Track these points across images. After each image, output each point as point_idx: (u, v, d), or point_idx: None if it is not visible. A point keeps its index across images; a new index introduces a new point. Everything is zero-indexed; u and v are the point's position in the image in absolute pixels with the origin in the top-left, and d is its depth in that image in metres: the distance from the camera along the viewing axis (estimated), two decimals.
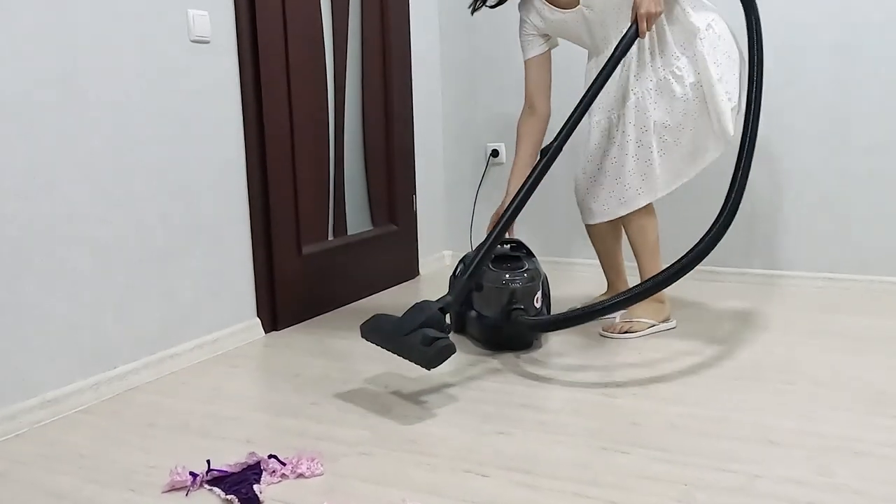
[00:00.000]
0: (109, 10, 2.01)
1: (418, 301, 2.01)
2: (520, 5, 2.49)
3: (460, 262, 2.50)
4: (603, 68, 2.26)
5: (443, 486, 1.49)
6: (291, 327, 2.67)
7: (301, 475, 1.54)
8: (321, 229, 2.88)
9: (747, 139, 2.15)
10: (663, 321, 2.48)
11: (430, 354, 1.82)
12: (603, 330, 2.45)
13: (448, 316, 1.99)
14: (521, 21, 2.48)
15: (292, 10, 2.62)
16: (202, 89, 2.30)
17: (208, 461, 1.57)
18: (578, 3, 2.33)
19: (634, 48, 2.32)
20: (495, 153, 3.55)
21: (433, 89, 3.58)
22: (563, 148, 2.26)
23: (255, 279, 2.55)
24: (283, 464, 1.55)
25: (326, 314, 2.85)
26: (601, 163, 2.46)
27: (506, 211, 2.20)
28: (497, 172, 3.56)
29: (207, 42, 2.31)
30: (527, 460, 1.59)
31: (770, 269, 3.14)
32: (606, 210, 2.45)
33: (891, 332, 2.39)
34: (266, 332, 2.59)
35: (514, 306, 2.23)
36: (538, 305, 2.33)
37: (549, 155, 2.25)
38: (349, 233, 3.06)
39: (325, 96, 2.86)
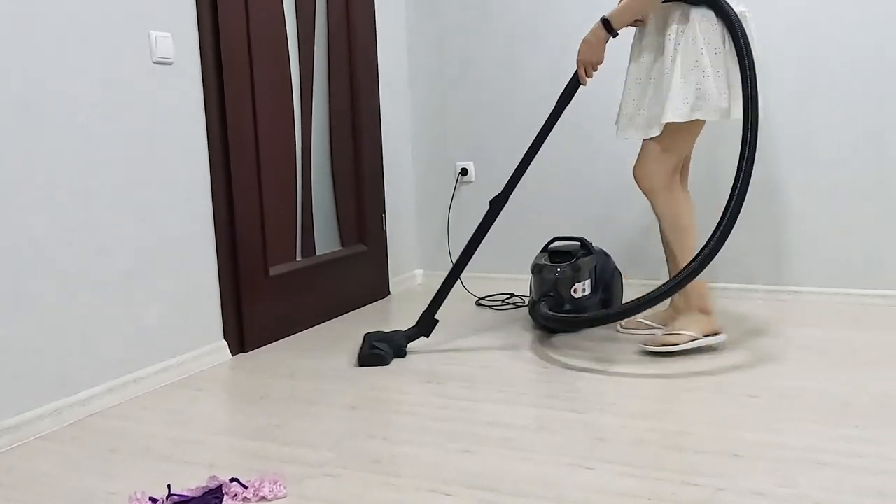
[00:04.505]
0: (70, 31, 2.00)
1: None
2: None
3: None
4: (546, 120, 2.49)
5: None
6: (259, 349, 2.64)
7: (263, 498, 1.52)
8: (289, 250, 2.86)
9: (747, 149, 2.20)
10: (709, 335, 2.37)
11: (363, 356, 2.40)
12: (643, 344, 2.40)
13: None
14: None
15: (257, 30, 2.62)
16: (166, 111, 2.29)
17: (169, 486, 1.54)
18: None
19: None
20: (464, 171, 3.56)
21: (401, 108, 3.59)
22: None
23: (222, 301, 2.53)
24: (245, 487, 1.53)
25: (295, 335, 2.83)
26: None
27: (457, 262, 2.57)
28: (467, 191, 3.57)
29: (170, 63, 2.30)
30: (492, 478, 1.58)
31: (737, 283, 3.16)
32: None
33: (855, 345, 2.41)
34: (233, 354, 2.56)
35: (546, 294, 2.63)
36: (577, 295, 2.65)
37: (497, 205, 2.53)
38: (318, 253, 3.05)
39: (291, 116, 2.86)
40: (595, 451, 1.69)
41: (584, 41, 2.37)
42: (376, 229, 3.39)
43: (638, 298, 2.22)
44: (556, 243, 2.87)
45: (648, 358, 2.35)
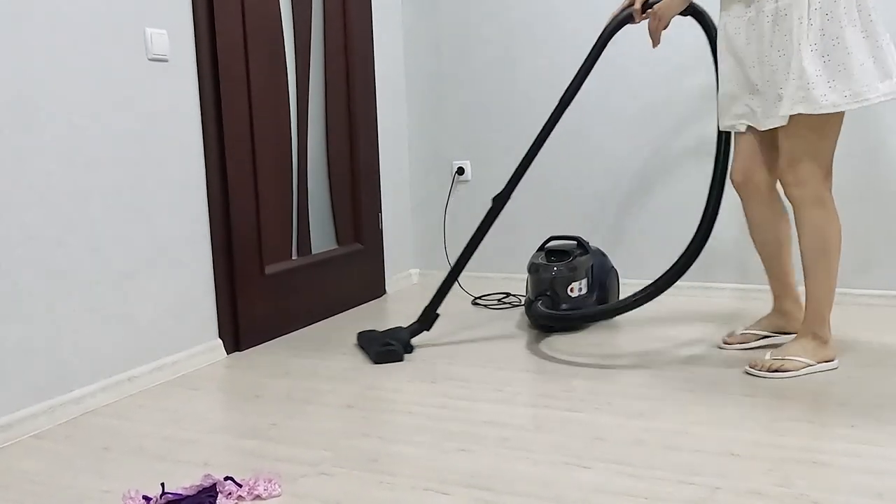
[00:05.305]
0: (64, 28, 1.99)
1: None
2: None
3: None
4: (572, 81, 2.38)
5: None
6: (254, 348, 2.63)
7: (258, 496, 1.51)
8: (285, 249, 2.85)
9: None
10: (823, 361, 2.15)
11: (379, 352, 2.40)
12: (750, 367, 2.16)
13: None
14: None
15: (253, 27, 2.61)
16: (161, 108, 2.28)
17: (162, 484, 1.53)
18: None
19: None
20: (461, 170, 3.55)
21: (398, 107, 3.58)
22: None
23: (217, 300, 2.52)
24: (240, 485, 1.52)
25: (291, 334, 2.82)
26: None
27: (459, 258, 2.56)
28: (463, 190, 3.57)
29: (166, 60, 2.29)
30: (488, 477, 1.57)
31: (734, 282, 3.16)
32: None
33: (852, 344, 2.41)
34: (228, 353, 2.55)
35: (543, 293, 2.65)
36: (574, 294, 2.66)
37: (500, 201, 2.51)
38: (314, 252, 3.04)
39: (287, 114, 2.85)
40: (592, 451, 1.69)
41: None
42: (372, 228, 3.38)
43: (633, 294, 2.28)
44: (553, 242, 2.87)
45: (648, 358, 2.34)
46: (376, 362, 2.40)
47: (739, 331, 2.41)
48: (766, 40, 2.01)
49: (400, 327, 2.58)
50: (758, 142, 2.19)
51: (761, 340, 2.37)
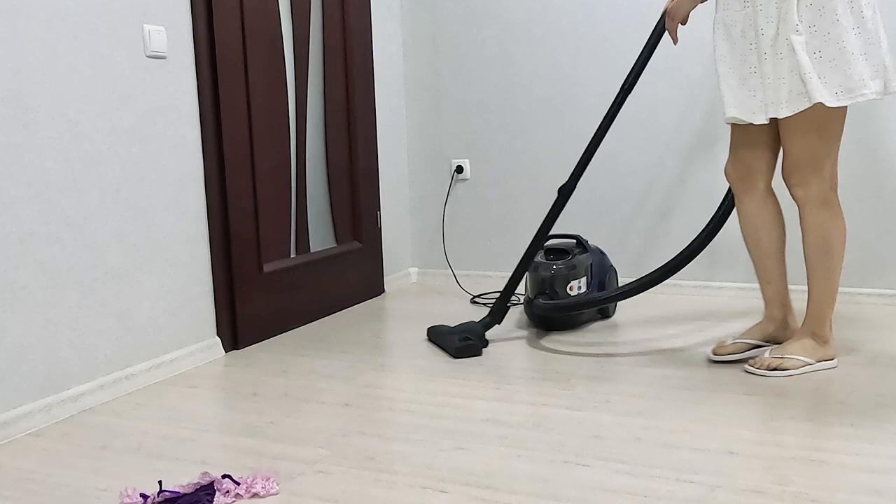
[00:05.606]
0: (62, 25, 1.98)
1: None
2: None
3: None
4: (623, 86, 2.41)
5: (400, 503, 1.47)
6: (252, 346, 2.63)
7: (256, 495, 1.51)
8: (283, 247, 2.85)
9: None
10: (822, 360, 2.15)
11: (459, 347, 2.42)
12: (749, 365, 2.16)
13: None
14: None
15: (252, 24, 2.60)
16: (159, 105, 2.27)
17: (160, 482, 1.53)
18: None
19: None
20: (460, 169, 3.55)
21: (397, 105, 3.58)
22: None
23: (215, 298, 2.51)
24: (238, 483, 1.52)
25: (289, 332, 2.81)
26: None
27: (528, 249, 2.55)
28: (462, 188, 3.56)
29: (164, 57, 2.28)
30: (486, 475, 1.57)
31: (736, 281, 3.16)
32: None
33: (850, 343, 2.41)
34: (226, 351, 2.55)
35: (542, 292, 2.66)
36: (573, 293, 2.67)
37: (564, 193, 2.49)
38: (312, 250, 3.03)
39: (286, 112, 2.84)
40: (590, 449, 1.68)
41: None
42: (371, 226, 3.37)
43: (626, 284, 2.37)
44: (552, 241, 2.87)
45: (647, 356, 2.34)
46: (457, 357, 2.41)
47: (730, 341, 2.29)
48: (762, 34, 2.01)
49: (473, 321, 2.61)
50: (756, 136, 2.16)
51: (752, 350, 2.27)
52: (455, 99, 3.53)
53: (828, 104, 1.93)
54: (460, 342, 2.43)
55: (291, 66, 2.89)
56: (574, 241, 2.85)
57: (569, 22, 3.24)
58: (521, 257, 2.60)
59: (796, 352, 2.14)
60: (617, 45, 3.07)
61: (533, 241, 2.56)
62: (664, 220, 3.20)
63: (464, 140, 3.53)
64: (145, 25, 2.21)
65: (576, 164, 2.49)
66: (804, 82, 1.93)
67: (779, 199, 2.20)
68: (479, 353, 2.43)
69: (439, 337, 2.56)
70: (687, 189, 3.13)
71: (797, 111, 1.96)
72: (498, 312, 2.59)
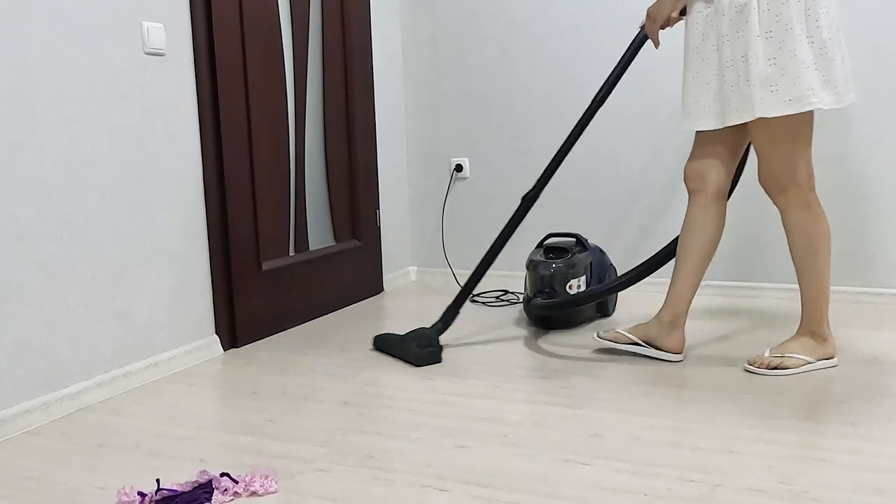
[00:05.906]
0: (61, 22, 1.97)
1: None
2: None
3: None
4: (602, 87, 2.42)
5: (400, 501, 1.46)
6: (251, 344, 2.62)
7: (254, 493, 1.50)
8: (282, 245, 2.84)
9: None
10: (822, 359, 2.16)
11: (421, 355, 2.34)
12: (749, 364, 2.17)
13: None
14: None
15: (250, 21, 2.60)
16: (157, 103, 2.27)
17: (158, 480, 1.52)
18: None
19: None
20: (459, 168, 3.54)
21: (396, 104, 3.57)
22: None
23: (214, 296, 2.50)
24: (236, 482, 1.51)
25: (288, 331, 2.80)
26: None
27: (484, 258, 2.49)
28: (461, 187, 3.56)
29: (163, 55, 2.27)
30: (486, 474, 1.56)
31: (736, 280, 3.15)
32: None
33: (849, 342, 2.40)
34: (225, 349, 2.54)
35: (541, 291, 2.66)
36: (572, 291, 2.66)
37: (528, 201, 2.46)
38: (311, 248, 3.03)
39: (285, 110, 2.83)
40: (591, 448, 1.68)
41: None
42: (370, 225, 3.36)
43: (620, 276, 2.42)
44: (551, 239, 2.86)
45: (649, 357, 2.33)
46: (419, 365, 2.33)
47: (620, 328, 2.35)
48: (724, 38, 2.00)
49: (424, 328, 2.49)
50: (718, 141, 2.16)
51: (629, 346, 2.31)
52: (455, 99, 3.52)
53: (769, 116, 1.94)
54: (422, 350, 2.35)
55: (290, 63, 2.88)
56: (573, 239, 2.84)
57: (569, 23, 3.24)
58: (477, 265, 2.53)
59: (796, 350, 2.15)
60: (617, 46, 3.07)
61: (490, 250, 2.49)
62: (664, 218, 3.19)
63: (463, 139, 3.53)
64: (144, 22, 2.21)
65: (541, 172, 2.46)
66: (750, 94, 1.94)
67: (762, 200, 2.19)
68: (440, 360, 2.36)
69: (392, 346, 2.46)
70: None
71: (742, 121, 1.99)
72: (449, 318, 2.51)
